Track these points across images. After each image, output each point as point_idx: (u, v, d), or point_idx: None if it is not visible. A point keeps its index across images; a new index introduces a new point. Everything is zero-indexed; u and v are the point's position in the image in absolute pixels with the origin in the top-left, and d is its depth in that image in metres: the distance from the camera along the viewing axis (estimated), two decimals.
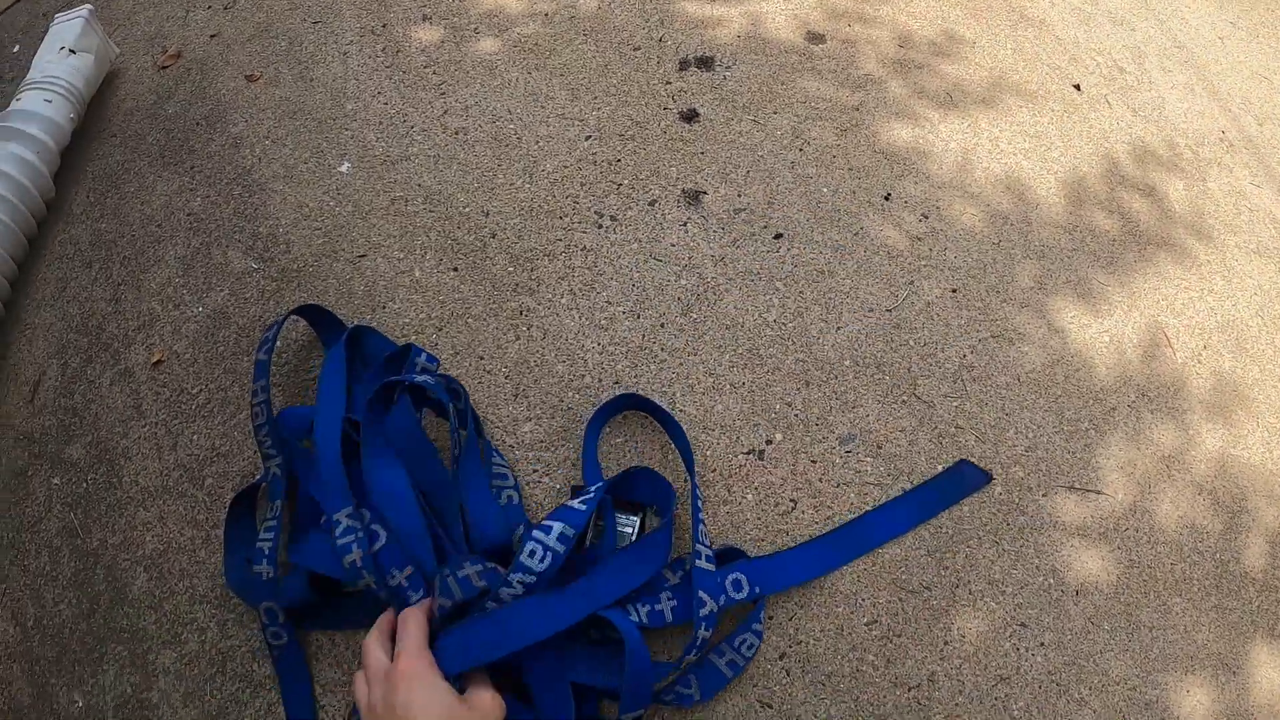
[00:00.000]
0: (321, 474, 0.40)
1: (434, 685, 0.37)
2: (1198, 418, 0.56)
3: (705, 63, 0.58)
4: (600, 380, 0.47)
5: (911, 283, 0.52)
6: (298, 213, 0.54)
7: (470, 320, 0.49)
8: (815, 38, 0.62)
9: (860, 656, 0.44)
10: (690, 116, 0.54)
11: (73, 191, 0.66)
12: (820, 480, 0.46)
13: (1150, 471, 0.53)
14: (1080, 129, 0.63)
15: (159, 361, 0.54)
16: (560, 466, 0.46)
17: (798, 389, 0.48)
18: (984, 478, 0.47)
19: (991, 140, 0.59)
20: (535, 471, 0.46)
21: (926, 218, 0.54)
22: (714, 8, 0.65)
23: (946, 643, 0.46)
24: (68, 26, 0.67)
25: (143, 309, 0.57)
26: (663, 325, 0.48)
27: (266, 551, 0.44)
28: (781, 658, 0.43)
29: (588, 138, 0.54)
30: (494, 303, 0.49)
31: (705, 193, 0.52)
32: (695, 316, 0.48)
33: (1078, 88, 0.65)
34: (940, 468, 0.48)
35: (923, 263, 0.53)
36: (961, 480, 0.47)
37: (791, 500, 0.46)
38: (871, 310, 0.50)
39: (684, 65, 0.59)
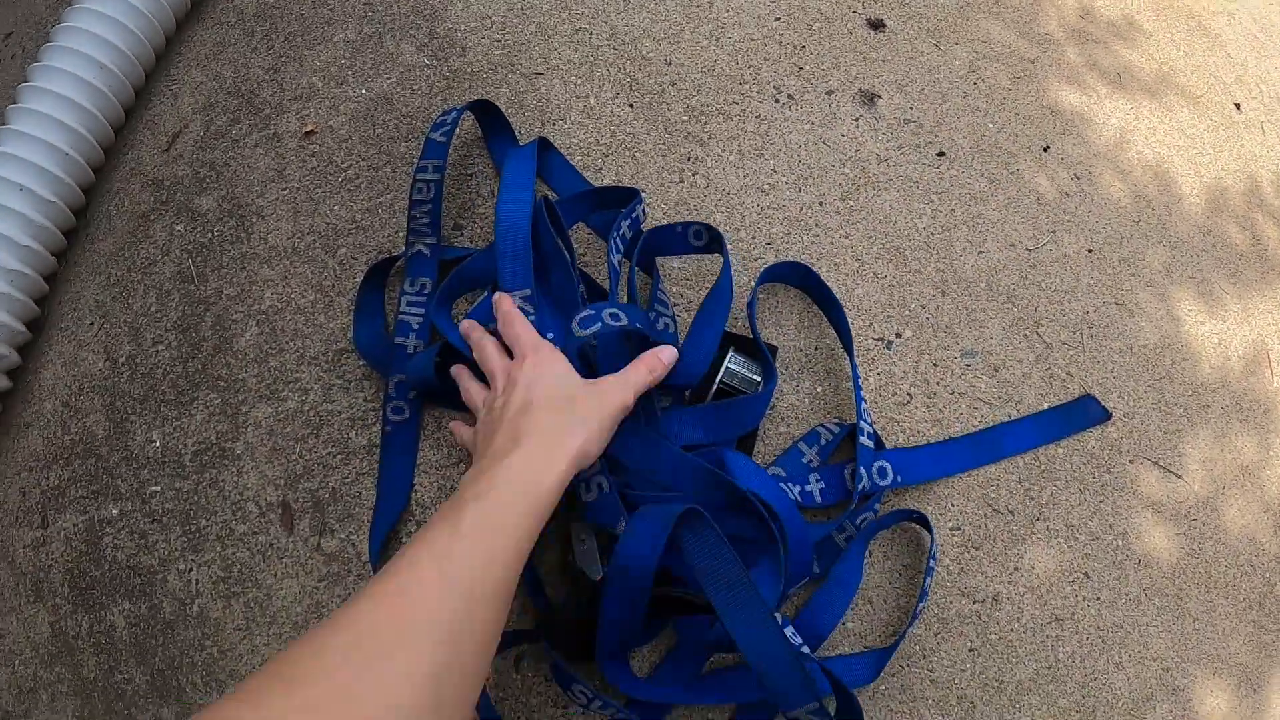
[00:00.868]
0: (503, 248, 0.41)
1: (560, 361, 0.39)
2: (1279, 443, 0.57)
3: None
4: (754, 237, 0.48)
5: (1054, 232, 0.53)
6: (479, 21, 0.55)
7: (638, 154, 0.50)
8: None
9: (937, 557, 0.45)
10: (877, 25, 0.55)
11: None
12: (938, 383, 0.47)
13: (1227, 475, 0.54)
14: (1232, 145, 0.64)
15: (311, 132, 0.55)
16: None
17: (933, 295, 0.49)
18: (1105, 415, 0.49)
19: (1150, 128, 0.60)
20: (677, 306, 0.47)
21: (1078, 178, 0.55)
22: None
23: (1016, 569, 0.47)
24: None
25: (302, 82, 0.57)
26: (821, 204, 0.49)
27: (415, 326, 0.45)
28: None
29: (776, 19, 0.54)
30: (664, 144, 0.50)
31: (880, 97, 0.53)
32: (852, 204, 0.49)
33: (1238, 106, 0.66)
34: (1047, 405, 0.49)
35: (1067, 217, 0.54)
36: (1085, 413, 0.48)
37: (908, 394, 0.47)
38: (1013, 245, 0.51)
39: None
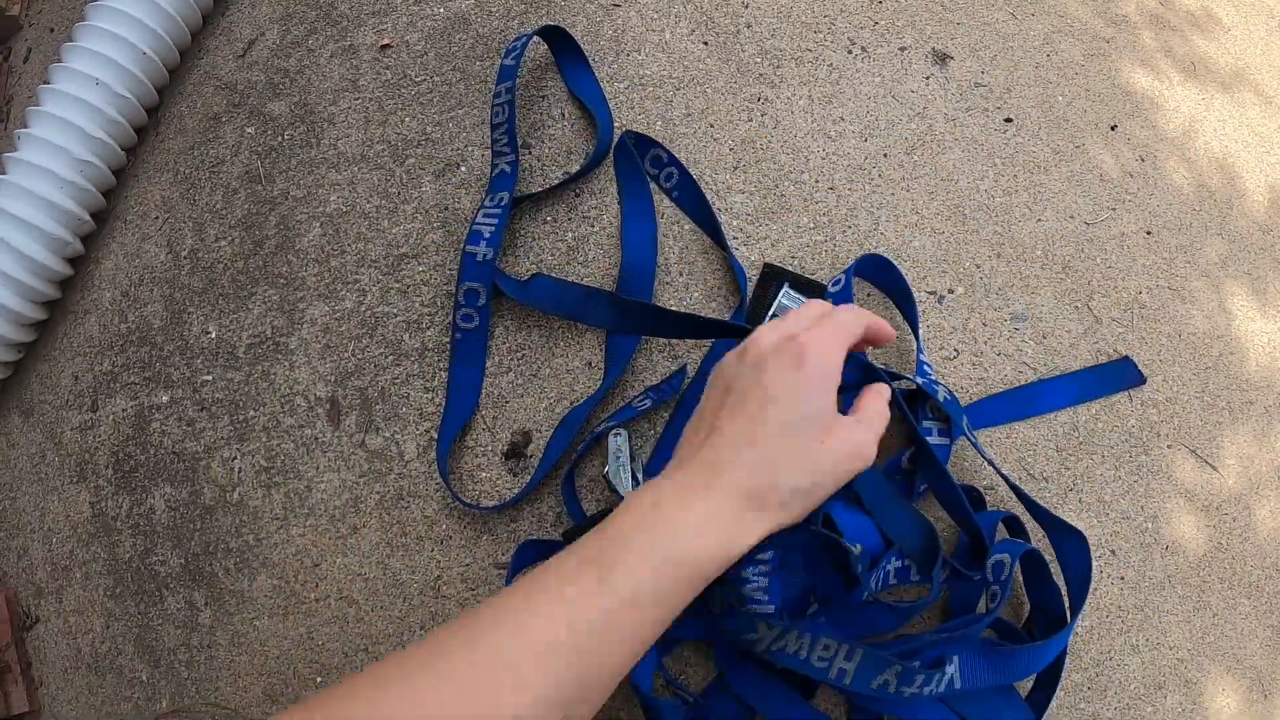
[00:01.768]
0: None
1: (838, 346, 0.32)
2: None
3: None
4: (817, 181, 0.48)
5: (1114, 209, 0.53)
6: None
7: (709, 90, 0.50)
8: None
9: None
10: None
11: None
12: (985, 343, 0.48)
13: (1264, 474, 0.54)
14: None
15: (387, 46, 0.56)
16: (759, 243, 0.48)
17: (989, 256, 0.49)
18: (1140, 378, 0.49)
19: (1220, 121, 0.60)
20: (735, 240, 0.47)
21: (1143, 160, 0.55)
22: None
23: (1043, 536, 0.47)
24: None
25: None
26: (885, 155, 0.49)
27: (487, 235, 0.45)
28: None
29: None
30: (735, 83, 0.50)
31: (952, 58, 0.53)
32: (917, 159, 0.49)
33: None
34: None
35: (1128, 196, 0.53)
36: (1122, 374, 0.48)
37: (955, 349, 0.47)
38: (1072, 217, 0.51)
39: None
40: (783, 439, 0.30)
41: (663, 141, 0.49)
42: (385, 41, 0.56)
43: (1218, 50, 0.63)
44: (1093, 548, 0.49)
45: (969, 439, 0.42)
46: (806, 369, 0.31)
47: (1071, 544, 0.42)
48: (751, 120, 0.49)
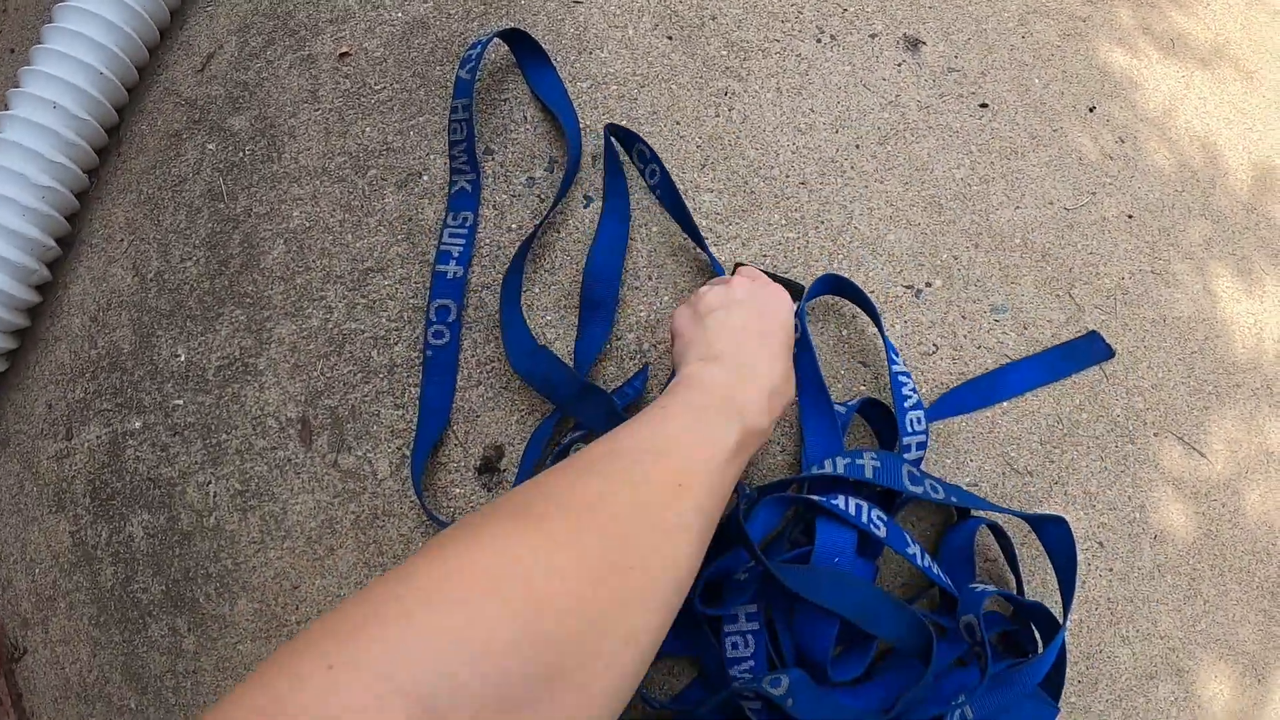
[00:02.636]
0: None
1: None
2: None
3: None
4: (788, 176, 0.47)
5: (1094, 194, 0.52)
6: None
7: (674, 87, 0.49)
8: None
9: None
10: None
11: None
12: (964, 336, 0.47)
13: (1251, 458, 0.53)
14: None
15: (346, 54, 0.55)
16: (730, 242, 0.47)
17: (966, 247, 0.48)
18: (1109, 352, 0.48)
19: (1200, 98, 0.58)
20: (705, 240, 0.46)
21: (1122, 142, 0.54)
22: None
23: (1030, 532, 0.47)
24: None
25: (338, 5, 0.57)
26: (858, 146, 0.48)
27: (456, 254, 0.45)
28: None
29: None
30: (701, 78, 0.49)
31: (925, 43, 0.51)
32: (890, 149, 0.48)
33: None
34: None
35: (1108, 180, 0.52)
36: (1090, 350, 0.47)
37: (934, 345, 0.46)
38: (1051, 204, 0.50)
39: None
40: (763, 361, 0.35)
41: None
42: (344, 49, 0.54)
43: (1197, 26, 0.62)
44: (1080, 540, 0.48)
45: (908, 491, 0.41)
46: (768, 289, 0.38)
47: (1052, 530, 0.42)
48: (719, 116, 0.48)
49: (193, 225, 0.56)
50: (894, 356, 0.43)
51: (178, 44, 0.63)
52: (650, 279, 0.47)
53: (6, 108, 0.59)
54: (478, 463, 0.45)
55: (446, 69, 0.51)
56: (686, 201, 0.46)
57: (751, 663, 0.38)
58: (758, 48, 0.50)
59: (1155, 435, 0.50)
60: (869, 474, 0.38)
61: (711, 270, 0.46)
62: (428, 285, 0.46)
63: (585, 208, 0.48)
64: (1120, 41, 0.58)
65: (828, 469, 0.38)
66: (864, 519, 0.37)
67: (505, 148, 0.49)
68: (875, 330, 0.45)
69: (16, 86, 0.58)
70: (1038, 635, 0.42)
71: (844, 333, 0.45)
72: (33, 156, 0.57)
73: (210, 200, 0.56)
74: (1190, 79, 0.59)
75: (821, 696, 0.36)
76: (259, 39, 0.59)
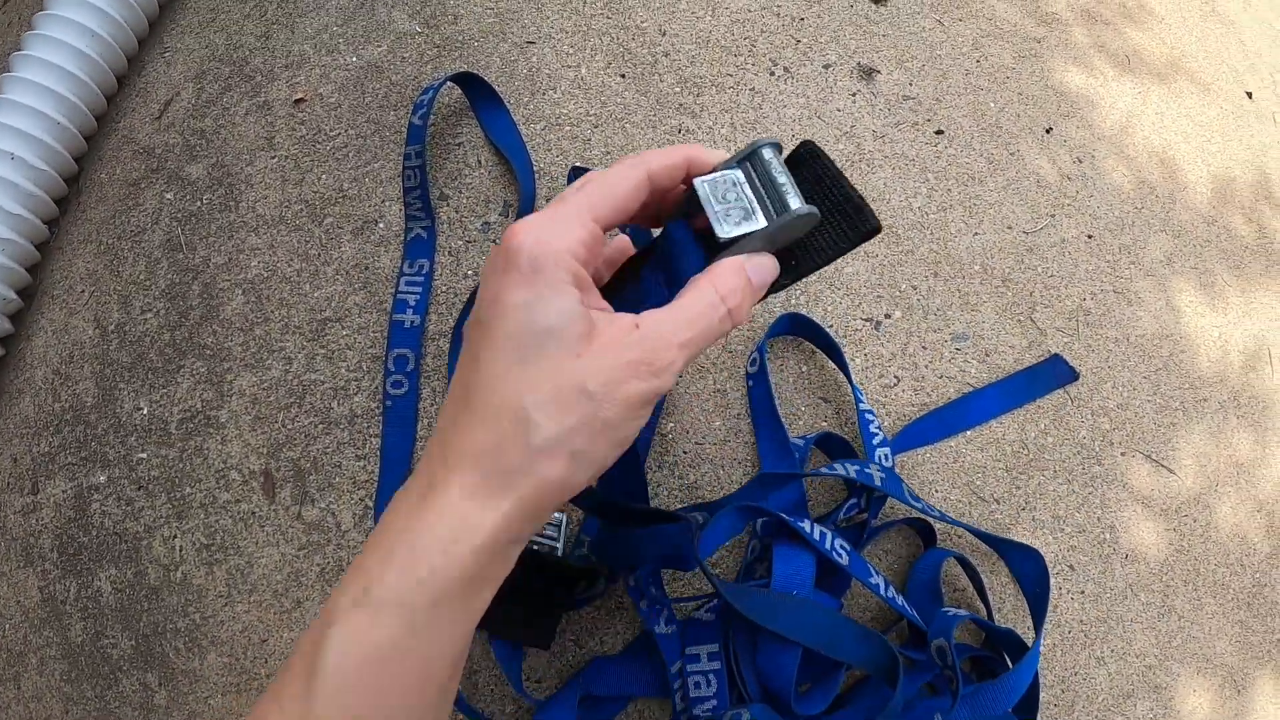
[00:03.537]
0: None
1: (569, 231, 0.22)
2: (1277, 441, 0.56)
3: None
4: None
5: (1053, 215, 0.52)
6: None
7: (629, 126, 0.49)
8: None
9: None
10: None
11: None
12: (926, 366, 0.47)
13: (1221, 472, 0.53)
14: (1242, 134, 0.62)
15: (301, 100, 0.54)
16: None
17: (925, 277, 0.48)
18: (1073, 375, 0.48)
19: (1157, 113, 0.59)
20: None
21: (1080, 162, 0.54)
22: None
23: (1000, 558, 0.47)
24: None
25: (294, 49, 0.57)
26: None
27: (413, 303, 0.45)
28: None
29: None
30: (655, 115, 0.49)
31: (879, 72, 0.51)
32: None
33: (1249, 95, 0.64)
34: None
35: (1067, 201, 0.53)
36: (1052, 373, 0.48)
37: (895, 377, 0.46)
38: (1010, 228, 0.50)
39: None
40: (506, 374, 0.21)
41: None
42: (299, 95, 0.54)
43: (1152, 41, 0.62)
44: (1051, 564, 0.48)
45: (911, 505, 0.41)
46: (516, 262, 0.21)
47: (1025, 561, 0.42)
48: None
49: (152, 276, 0.56)
50: (859, 394, 0.43)
51: (135, 91, 0.63)
52: None
53: None
54: None
55: (400, 114, 0.51)
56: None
57: (714, 702, 0.38)
58: (711, 83, 0.50)
59: (1123, 455, 0.51)
60: (876, 482, 0.39)
61: None
62: (385, 334, 0.46)
63: None
64: (1076, 60, 0.58)
65: (839, 471, 0.39)
66: (827, 545, 0.37)
67: (460, 193, 0.49)
68: (835, 365, 0.45)
69: None
70: (1009, 662, 0.42)
71: (804, 369, 0.45)
72: None
73: (169, 251, 0.56)
74: (1147, 94, 0.60)
75: None
76: (215, 85, 0.58)
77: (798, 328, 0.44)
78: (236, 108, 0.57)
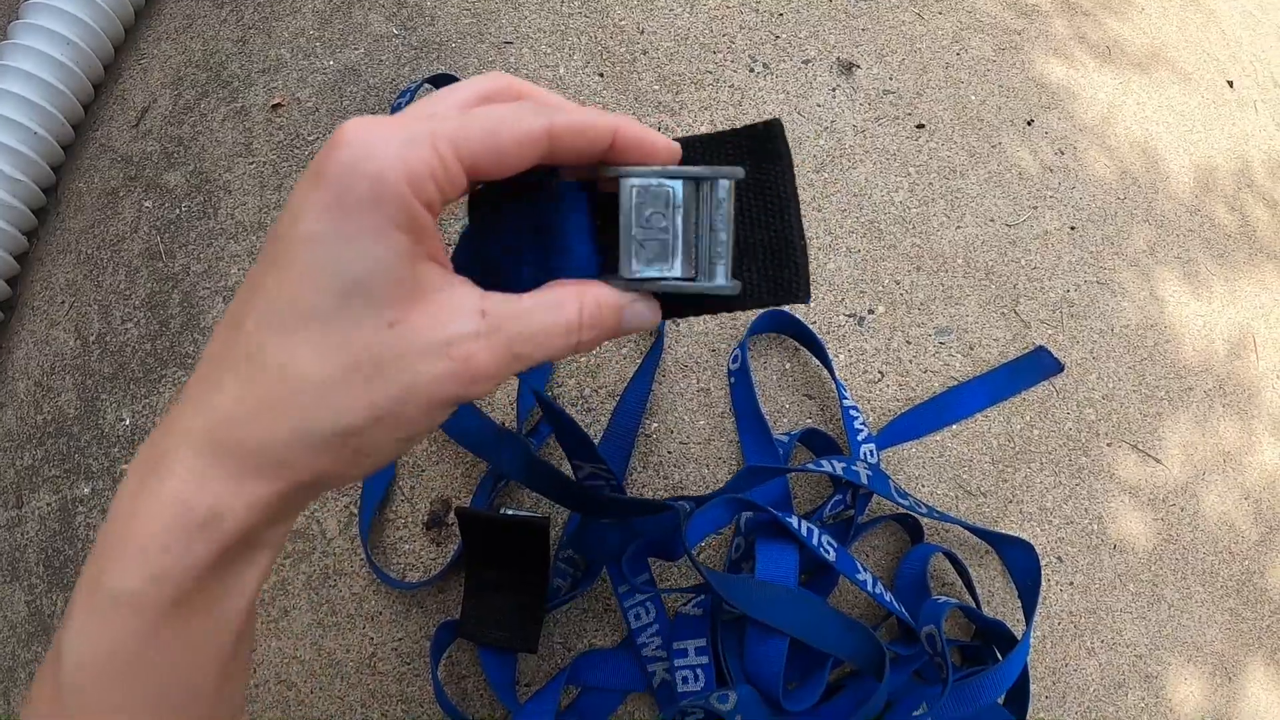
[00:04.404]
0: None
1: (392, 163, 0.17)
2: (1263, 428, 0.56)
3: None
4: None
5: (1035, 208, 0.52)
6: None
7: None
8: None
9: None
10: None
11: None
12: (910, 361, 0.47)
13: (1208, 460, 0.53)
14: (1223, 123, 0.62)
15: (278, 105, 0.54)
16: None
17: (908, 271, 0.48)
18: (1058, 366, 0.48)
19: (1138, 104, 0.59)
20: None
21: (1062, 153, 0.54)
22: None
23: (987, 552, 0.47)
24: None
25: (270, 54, 0.56)
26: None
27: None
28: None
29: None
30: (634, 113, 0.49)
31: (859, 66, 0.51)
32: (826, 176, 0.48)
33: (1230, 84, 0.64)
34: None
35: (1049, 193, 0.53)
36: (1038, 365, 0.47)
37: (880, 372, 0.46)
38: (992, 220, 0.50)
39: None
40: (290, 328, 0.16)
41: None
42: (276, 100, 0.54)
43: (1132, 31, 0.62)
44: (1040, 553, 0.48)
45: (898, 502, 0.41)
46: (328, 174, 0.16)
47: (1018, 553, 0.42)
48: None
49: (132, 285, 0.56)
50: (843, 390, 0.42)
51: (112, 98, 0.62)
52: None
53: None
54: (425, 518, 0.44)
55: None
56: None
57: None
58: (690, 80, 0.49)
59: (1109, 445, 0.51)
60: (863, 479, 0.39)
61: None
62: None
63: None
64: (1056, 52, 0.58)
65: (825, 468, 0.39)
66: (814, 541, 0.37)
67: None
68: (819, 361, 0.45)
69: None
70: (999, 655, 0.42)
71: (787, 365, 0.45)
72: None
73: (149, 259, 0.55)
74: (1128, 85, 0.60)
75: (771, 714, 0.35)
76: (192, 91, 0.58)
77: (780, 324, 0.44)
78: (214, 114, 0.57)
